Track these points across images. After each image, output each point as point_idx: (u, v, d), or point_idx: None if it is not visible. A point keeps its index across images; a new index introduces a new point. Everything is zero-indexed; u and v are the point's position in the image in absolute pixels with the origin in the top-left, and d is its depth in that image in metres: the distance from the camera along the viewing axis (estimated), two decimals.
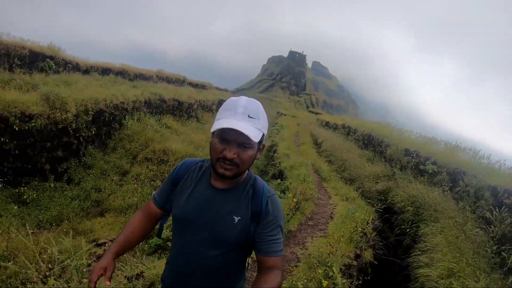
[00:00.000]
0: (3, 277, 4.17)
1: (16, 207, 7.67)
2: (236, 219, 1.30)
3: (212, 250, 1.31)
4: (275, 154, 12.29)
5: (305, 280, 3.30)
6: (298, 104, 55.11)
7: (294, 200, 5.46)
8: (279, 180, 7.98)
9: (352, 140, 13.81)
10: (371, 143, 11.53)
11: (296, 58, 69.33)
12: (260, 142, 1.29)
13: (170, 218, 1.50)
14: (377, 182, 8.13)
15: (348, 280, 3.68)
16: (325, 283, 3.07)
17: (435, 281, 3.90)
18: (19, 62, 11.86)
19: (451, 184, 6.54)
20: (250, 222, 1.31)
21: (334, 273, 3.43)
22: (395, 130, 11.68)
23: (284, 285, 3.19)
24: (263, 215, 1.32)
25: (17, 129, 8.09)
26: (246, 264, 1.46)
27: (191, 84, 28.29)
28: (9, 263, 4.20)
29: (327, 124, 21.51)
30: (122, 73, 18.22)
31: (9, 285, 4.09)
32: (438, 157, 7.45)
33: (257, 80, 69.78)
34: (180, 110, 19.22)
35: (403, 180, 7.61)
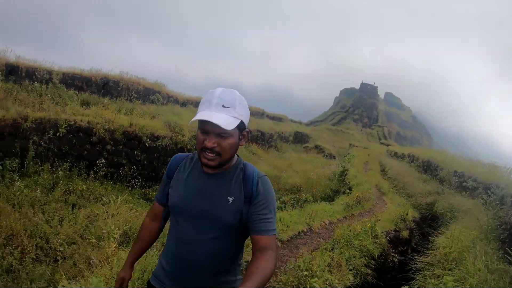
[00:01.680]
0: None
1: (144, 202, 8.91)
2: (230, 199, 1.37)
3: (209, 234, 1.37)
4: (346, 177, 14.64)
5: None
6: (370, 136, 55.70)
7: (356, 194, 8.01)
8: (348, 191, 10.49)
9: (414, 167, 15.54)
10: (429, 168, 13.31)
11: (368, 90, 70.29)
12: (242, 129, 1.37)
13: None
14: (427, 197, 10.13)
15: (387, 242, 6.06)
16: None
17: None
18: (136, 95, 15.02)
19: (484, 196, 8.41)
20: (244, 204, 1.37)
21: (378, 232, 5.89)
22: (449, 156, 13.35)
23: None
24: (254, 195, 1.38)
25: (147, 146, 9.90)
26: (243, 250, 1.53)
27: (269, 117, 31.94)
28: None
29: (395, 154, 23.04)
30: None
31: None
32: (478, 175, 9.28)
33: (330, 113, 71.57)
34: (263, 140, 22.59)
35: (448, 194, 9.56)
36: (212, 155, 1.30)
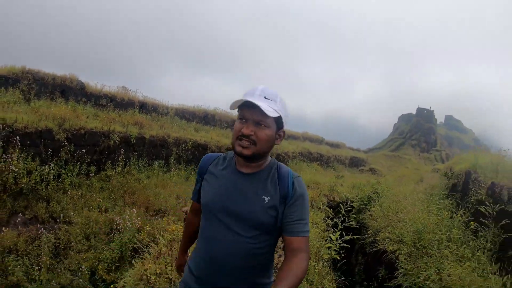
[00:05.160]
0: None
1: None
2: (266, 199, 1.34)
3: (245, 234, 1.34)
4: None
5: None
6: (428, 160, 55.21)
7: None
8: None
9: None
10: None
11: (424, 115, 69.89)
12: (279, 127, 1.37)
13: None
14: None
15: None
16: None
17: None
18: (226, 125, 17.87)
19: None
20: (280, 204, 1.35)
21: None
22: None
23: None
24: (289, 195, 1.36)
25: None
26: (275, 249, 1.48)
27: (328, 144, 34.74)
28: None
29: (437, 171, 24.64)
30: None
31: None
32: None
33: (389, 139, 71.67)
34: (321, 161, 25.50)
35: None
36: (248, 142, 1.30)
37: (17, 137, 6.68)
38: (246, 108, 1.31)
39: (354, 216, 6.98)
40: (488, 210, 4.54)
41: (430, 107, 71.02)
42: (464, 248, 4.44)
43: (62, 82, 11.39)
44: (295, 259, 1.28)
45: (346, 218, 4.77)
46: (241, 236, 1.33)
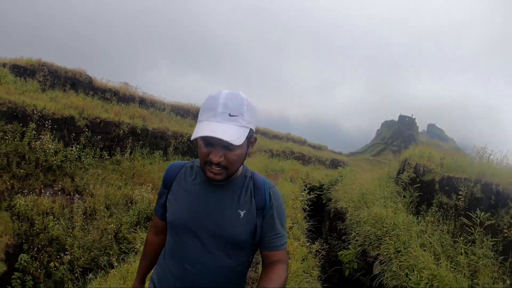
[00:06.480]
0: None
1: None
2: (242, 213, 1.26)
3: (220, 252, 1.25)
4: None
5: None
6: None
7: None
8: None
9: None
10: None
11: (406, 122, 72.76)
12: (250, 137, 1.21)
13: None
14: None
15: None
16: None
17: None
18: (192, 117, 21.54)
19: None
20: (257, 216, 1.28)
21: None
22: None
23: None
24: (267, 209, 1.29)
25: None
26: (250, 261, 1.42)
27: (310, 145, 36.50)
28: None
29: None
30: (264, 134, 27.64)
31: None
32: None
33: (371, 144, 74.37)
34: (303, 160, 27.14)
35: None
36: (219, 169, 1.16)
37: (49, 121, 7.95)
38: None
39: (324, 192, 9.47)
40: (409, 179, 6.63)
41: (412, 115, 74.08)
42: (390, 201, 6.43)
43: (73, 75, 12.61)
44: (275, 269, 1.26)
45: (315, 190, 6.63)
46: (217, 254, 1.25)
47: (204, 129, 1.10)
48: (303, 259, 4.32)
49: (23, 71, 11.18)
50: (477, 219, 3.86)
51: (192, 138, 1.14)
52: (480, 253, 3.65)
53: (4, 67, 10.55)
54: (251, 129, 1.18)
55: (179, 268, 1.28)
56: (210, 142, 1.14)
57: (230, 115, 1.11)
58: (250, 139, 1.24)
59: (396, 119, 77.27)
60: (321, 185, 11.11)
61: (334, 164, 36.33)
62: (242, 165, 1.32)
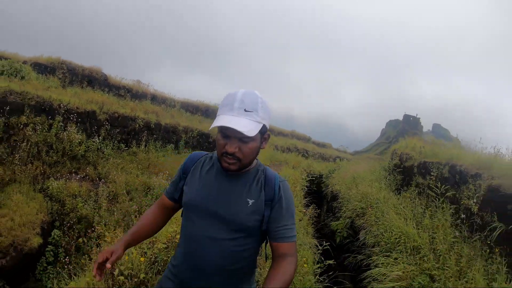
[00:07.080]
0: None
1: None
2: (250, 201, 1.33)
3: (225, 235, 1.31)
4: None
5: None
6: None
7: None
8: None
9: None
10: None
11: (410, 121, 73.05)
12: (263, 133, 1.32)
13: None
14: None
15: None
16: None
17: None
18: (201, 113, 22.26)
19: None
20: (265, 207, 1.34)
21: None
22: None
23: None
24: (276, 200, 1.35)
25: None
26: (259, 252, 1.48)
27: (314, 143, 37.15)
28: None
29: None
30: (269, 130, 28.43)
31: None
32: None
33: (375, 144, 74.69)
34: (307, 157, 27.84)
35: None
36: (233, 160, 1.27)
37: (74, 114, 8.72)
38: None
39: (323, 181, 10.56)
40: (394, 165, 7.94)
41: (417, 115, 74.30)
42: (376, 183, 7.44)
43: (89, 73, 13.41)
44: (283, 263, 1.29)
45: (315, 179, 7.35)
46: (221, 237, 1.31)
47: (221, 120, 1.21)
48: (300, 220, 5.24)
49: (44, 68, 11.99)
50: (438, 189, 4.90)
51: (210, 128, 1.27)
52: (440, 217, 4.59)
53: (24, 64, 11.34)
54: (264, 125, 1.27)
55: (186, 245, 1.38)
56: (227, 134, 1.25)
57: (245, 110, 1.22)
58: (264, 135, 1.35)
59: (401, 118, 77.59)
60: (321, 175, 11.93)
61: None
62: (256, 160, 1.42)
